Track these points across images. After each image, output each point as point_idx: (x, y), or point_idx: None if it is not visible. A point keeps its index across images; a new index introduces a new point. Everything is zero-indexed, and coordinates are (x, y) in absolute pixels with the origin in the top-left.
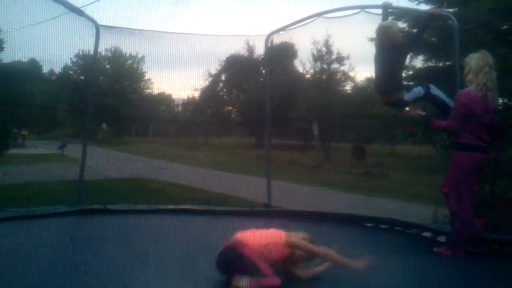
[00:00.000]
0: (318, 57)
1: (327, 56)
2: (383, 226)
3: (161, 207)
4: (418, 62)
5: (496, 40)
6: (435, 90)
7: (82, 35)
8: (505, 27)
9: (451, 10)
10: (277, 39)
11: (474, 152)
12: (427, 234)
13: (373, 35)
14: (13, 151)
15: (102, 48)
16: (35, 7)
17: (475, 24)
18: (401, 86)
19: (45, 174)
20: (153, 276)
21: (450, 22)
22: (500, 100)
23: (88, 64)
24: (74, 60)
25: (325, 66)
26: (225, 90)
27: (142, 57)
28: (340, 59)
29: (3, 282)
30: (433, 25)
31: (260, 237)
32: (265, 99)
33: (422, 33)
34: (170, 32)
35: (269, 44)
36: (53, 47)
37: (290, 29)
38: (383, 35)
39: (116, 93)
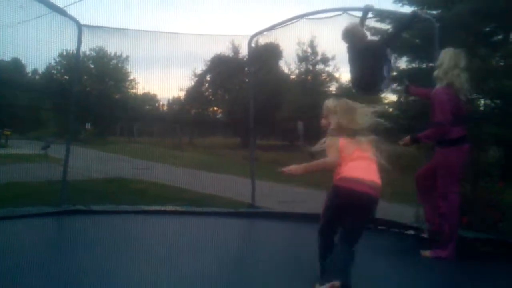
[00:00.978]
0: (303, 58)
1: (312, 57)
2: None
3: (145, 207)
4: (402, 63)
5: (477, 41)
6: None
7: (64, 35)
8: (487, 29)
9: (434, 12)
10: (262, 40)
11: (462, 144)
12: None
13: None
14: None
15: (86, 48)
16: (17, 7)
17: (456, 26)
18: (380, 87)
19: (28, 175)
20: (138, 277)
21: (431, 23)
22: (482, 101)
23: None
24: (57, 60)
25: (310, 66)
26: (210, 90)
27: (127, 57)
28: (325, 60)
29: None
30: (415, 26)
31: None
32: (249, 99)
33: (400, 32)
34: (154, 31)
35: (253, 45)
36: (36, 47)
37: (274, 30)
38: (352, 36)
39: (101, 93)
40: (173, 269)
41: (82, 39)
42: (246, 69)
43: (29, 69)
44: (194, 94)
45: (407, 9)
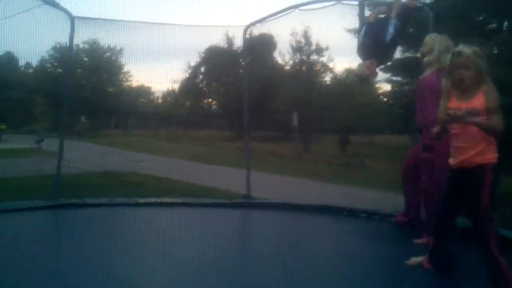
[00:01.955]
0: (297, 49)
1: (306, 48)
2: (362, 215)
3: (140, 200)
4: (397, 53)
5: (470, 30)
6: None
7: (57, 27)
8: (480, 17)
9: (427, 1)
10: (256, 31)
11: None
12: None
13: (350, 26)
14: None
15: (79, 40)
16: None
17: (450, 15)
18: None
19: (22, 169)
20: (135, 270)
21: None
22: None
23: (65, 56)
24: (50, 53)
25: (304, 57)
26: (204, 82)
27: (120, 49)
28: (319, 51)
29: None
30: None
31: None
32: (244, 91)
33: (405, 25)
34: (147, 23)
35: (247, 36)
36: (28, 40)
37: (268, 20)
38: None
39: (95, 86)
40: (169, 261)
41: (75, 31)
42: (240, 60)
43: (22, 62)
44: (189, 86)
45: None
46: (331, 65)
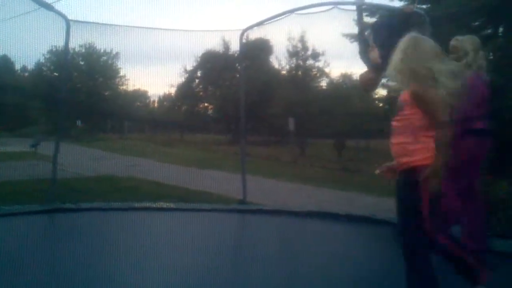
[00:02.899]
0: (294, 53)
1: (303, 52)
2: (358, 221)
3: (135, 205)
4: None
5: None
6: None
7: (53, 31)
8: (476, 23)
9: (423, 6)
10: (253, 35)
11: (487, 137)
12: None
13: (347, 31)
14: None
15: (75, 44)
16: (4, 3)
17: (446, 20)
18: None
19: (17, 173)
20: (128, 275)
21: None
22: None
23: (61, 60)
24: (47, 56)
25: (300, 62)
26: (201, 86)
27: (117, 53)
28: (315, 55)
29: None
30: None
31: None
32: (240, 95)
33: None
34: (144, 27)
35: (244, 40)
36: (24, 44)
37: (264, 25)
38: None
39: (91, 90)
40: (162, 265)
41: (71, 35)
42: (237, 64)
43: (18, 66)
44: (185, 91)
45: (398, 4)
46: (327, 70)
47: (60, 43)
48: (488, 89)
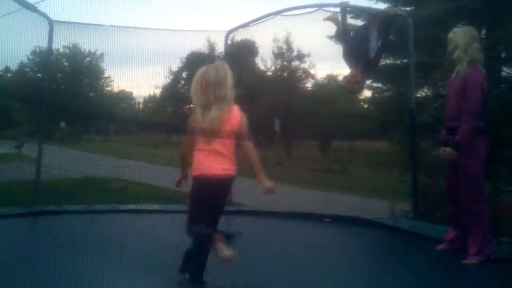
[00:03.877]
0: (279, 55)
1: (288, 54)
2: (342, 222)
3: (121, 207)
4: None
5: None
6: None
7: (36, 32)
8: (459, 25)
9: (407, 8)
10: (238, 36)
11: (487, 136)
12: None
13: (331, 32)
14: None
15: (59, 45)
16: None
17: (429, 22)
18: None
19: (1, 174)
20: (112, 278)
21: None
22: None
23: (44, 61)
24: (30, 57)
25: (285, 63)
26: (186, 87)
27: (101, 54)
28: (301, 57)
29: None
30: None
31: None
32: None
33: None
34: (129, 27)
35: (229, 41)
36: (7, 45)
37: (249, 26)
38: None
39: (75, 91)
40: (147, 267)
41: (54, 35)
42: None
43: (0, 67)
44: (170, 92)
45: (382, 6)
46: (312, 71)
47: (44, 44)
48: (486, 82)
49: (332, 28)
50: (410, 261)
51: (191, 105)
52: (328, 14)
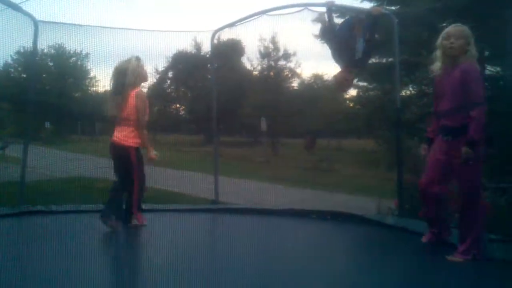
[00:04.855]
0: (265, 54)
1: (274, 53)
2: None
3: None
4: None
5: (435, 36)
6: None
7: (20, 31)
8: (444, 24)
9: (392, 7)
10: (224, 36)
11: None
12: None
13: (317, 32)
14: None
15: (44, 45)
16: None
17: (414, 22)
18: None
19: None
20: (100, 278)
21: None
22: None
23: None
24: (14, 57)
25: (272, 63)
26: (172, 87)
27: (87, 54)
28: (287, 56)
29: None
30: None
31: None
32: (213, 96)
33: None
34: (114, 28)
35: (215, 41)
36: None
37: (235, 26)
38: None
39: (60, 91)
40: (133, 268)
41: (39, 35)
42: (208, 65)
43: None
44: (156, 91)
45: (366, 5)
46: (298, 70)
47: (28, 43)
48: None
49: (317, 27)
50: (397, 256)
51: (177, 105)
52: (314, 13)
